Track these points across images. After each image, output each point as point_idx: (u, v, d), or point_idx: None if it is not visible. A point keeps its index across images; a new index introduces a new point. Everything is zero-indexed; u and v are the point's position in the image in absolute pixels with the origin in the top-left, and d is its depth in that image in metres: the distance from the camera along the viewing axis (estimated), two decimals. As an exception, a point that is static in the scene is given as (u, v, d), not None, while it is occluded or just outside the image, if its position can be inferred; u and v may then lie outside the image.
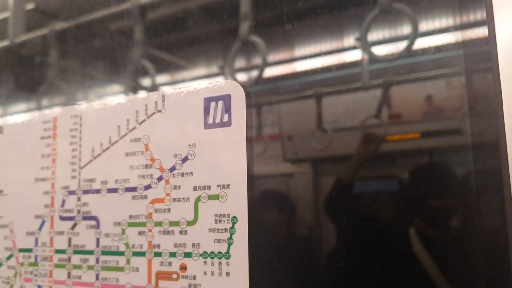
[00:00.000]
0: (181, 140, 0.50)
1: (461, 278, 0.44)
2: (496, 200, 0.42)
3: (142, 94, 0.53)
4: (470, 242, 0.43)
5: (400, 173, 0.50)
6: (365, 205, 0.50)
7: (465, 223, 0.45)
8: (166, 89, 0.52)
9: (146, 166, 0.51)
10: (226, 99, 0.48)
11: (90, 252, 0.54)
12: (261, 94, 0.59)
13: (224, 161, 0.47)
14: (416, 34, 0.49)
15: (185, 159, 0.49)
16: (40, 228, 0.58)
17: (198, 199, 0.48)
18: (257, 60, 0.59)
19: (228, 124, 0.48)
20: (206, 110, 0.49)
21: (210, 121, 0.48)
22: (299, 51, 0.59)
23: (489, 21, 0.41)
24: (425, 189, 0.48)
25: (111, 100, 0.55)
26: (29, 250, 0.59)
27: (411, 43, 0.50)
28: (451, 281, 0.45)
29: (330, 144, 0.54)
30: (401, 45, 0.51)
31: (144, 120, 0.52)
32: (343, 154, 0.54)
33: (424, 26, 0.50)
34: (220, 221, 0.46)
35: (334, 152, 0.55)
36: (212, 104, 0.49)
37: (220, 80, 0.49)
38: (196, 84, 0.50)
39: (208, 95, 0.49)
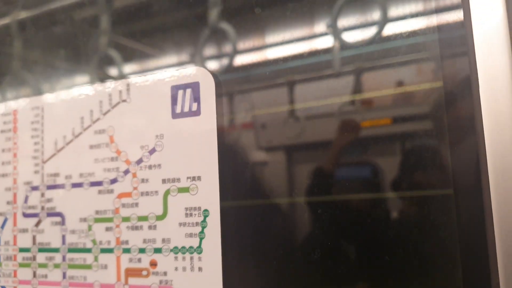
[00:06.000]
0: (148, 131, 0.47)
1: (439, 268, 0.44)
2: (473, 183, 0.41)
3: (106, 83, 0.51)
4: (448, 230, 0.43)
5: (379, 158, 0.49)
6: (342, 191, 0.49)
7: (443, 211, 0.44)
8: (131, 78, 0.49)
9: (112, 159, 0.49)
10: (195, 87, 0.46)
11: (56, 250, 0.51)
12: (231, 82, 0.57)
13: (194, 152, 0.45)
14: (386, 19, 0.48)
15: (152, 151, 0.47)
16: (2, 226, 0.55)
17: (167, 192, 0.46)
18: (227, 48, 0.57)
19: (197, 113, 0.45)
20: (174, 99, 0.46)
21: (178, 110, 0.46)
22: (269, 39, 0.58)
23: (464, 5, 0.40)
24: (404, 175, 0.47)
25: (74, 90, 0.53)
26: (-9, 250, 0.56)
27: (381, 28, 0.48)
28: (429, 270, 0.44)
29: (303, 132, 0.53)
30: (372, 31, 0.49)
31: (109, 111, 0.50)
32: (317, 141, 0.53)
33: (396, 10, 0.49)
34: (191, 214, 0.44)
35: (307, 139, 0.53)
36: (180, 92, 0.46)
37: (188, 67, 0.46)
38: (163, 71, 0.47)
39: (175, 83, 0.47)
